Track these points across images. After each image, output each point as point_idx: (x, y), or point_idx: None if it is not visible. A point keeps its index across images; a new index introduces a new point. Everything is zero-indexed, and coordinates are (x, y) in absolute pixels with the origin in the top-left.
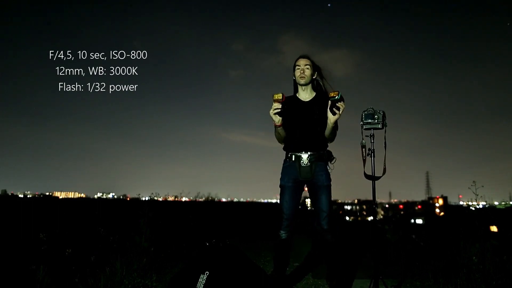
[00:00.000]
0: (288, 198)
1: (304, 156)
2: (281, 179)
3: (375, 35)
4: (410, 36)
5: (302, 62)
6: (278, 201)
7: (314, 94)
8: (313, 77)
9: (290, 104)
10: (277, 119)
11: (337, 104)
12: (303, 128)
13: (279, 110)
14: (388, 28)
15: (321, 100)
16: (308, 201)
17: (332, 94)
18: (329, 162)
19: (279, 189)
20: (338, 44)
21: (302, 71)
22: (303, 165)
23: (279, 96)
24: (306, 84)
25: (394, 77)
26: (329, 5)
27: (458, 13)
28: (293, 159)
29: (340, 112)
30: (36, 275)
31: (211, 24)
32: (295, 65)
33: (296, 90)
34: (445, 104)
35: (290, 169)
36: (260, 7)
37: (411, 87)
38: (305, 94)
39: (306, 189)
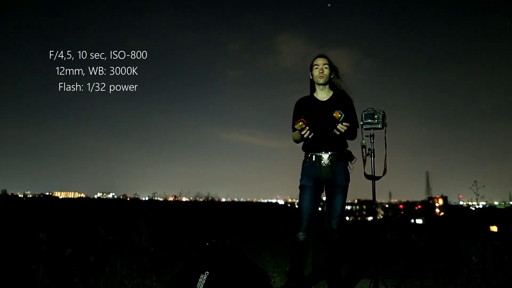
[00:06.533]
0: (309, 198)
1: (325, 156)
2: (301, 179)
3: (374, 34)
4: (410, 35)
5: (321, 62)
6: (277, 202)
7: (331, 93)
8: (331, 77)
9: (308, 104)
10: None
11: (339, 125)
12: (323, 128)
13: (309, 132)
14: (387, 28)
15: (339, 99)
16: None
17: (335, 114)
18: (349, 162)
19: (298, 190)
20: (336, 43)
21: (321, 71)
22: (323, 165)
23: (301, 125)
24: (324, 84)
25: (394, 76)
26: (329, 5)
27: (457, 13)
28: (314, 159)
29: (342, 132)
30: (36, 275)
31: (208, 24)
32: (313, 65)
33: (313, 90)
34: (445, 104)
35: (310, 169)
36: (257, 7)
37: (411, 87)
38: (323, 94)
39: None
